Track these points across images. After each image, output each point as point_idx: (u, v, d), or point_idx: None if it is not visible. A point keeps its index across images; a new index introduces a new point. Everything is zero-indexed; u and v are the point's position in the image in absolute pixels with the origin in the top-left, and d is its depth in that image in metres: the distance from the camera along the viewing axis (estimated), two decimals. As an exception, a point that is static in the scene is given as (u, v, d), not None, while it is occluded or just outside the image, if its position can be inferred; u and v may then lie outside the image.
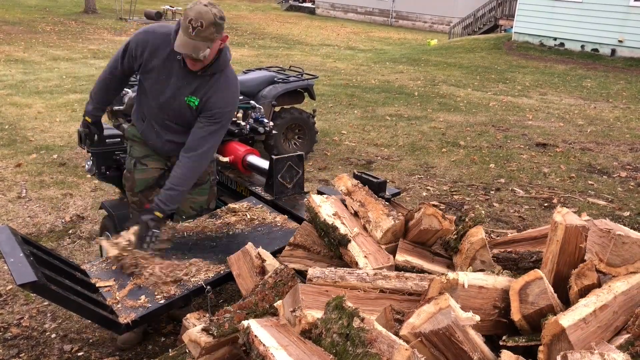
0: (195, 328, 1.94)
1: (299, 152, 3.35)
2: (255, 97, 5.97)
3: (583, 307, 1.73)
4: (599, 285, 1.87)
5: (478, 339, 1.71)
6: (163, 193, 2.84)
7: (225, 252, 2.68)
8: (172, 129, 3.02)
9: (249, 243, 2.51)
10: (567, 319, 1.67)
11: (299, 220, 2.94)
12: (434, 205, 2.47)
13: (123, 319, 2.38)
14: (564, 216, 2.00)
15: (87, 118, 3.13)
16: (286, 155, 3.29)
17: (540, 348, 1.69)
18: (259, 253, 2.45)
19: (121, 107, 5.59)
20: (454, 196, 5.47)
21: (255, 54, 14.79)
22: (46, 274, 2.30)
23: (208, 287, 2.49)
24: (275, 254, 2.67)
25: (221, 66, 2.86)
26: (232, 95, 2.96)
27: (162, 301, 2.46)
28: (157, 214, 2.78)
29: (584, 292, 1.84)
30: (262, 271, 2.39)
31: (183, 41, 2.62)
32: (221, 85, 2.89)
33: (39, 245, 2.70)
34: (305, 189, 3.38)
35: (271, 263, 2.44)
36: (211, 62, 2.79)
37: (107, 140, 3.48)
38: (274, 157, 3.20)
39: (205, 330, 1.91)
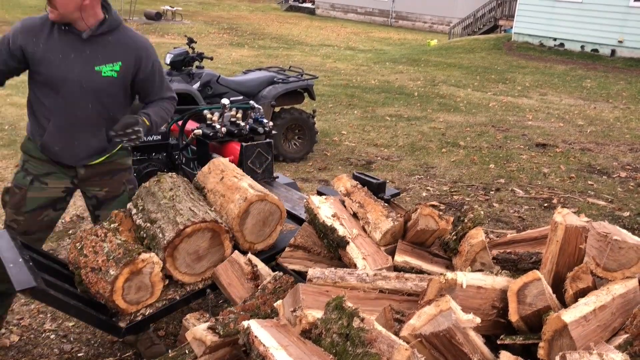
0: (200, 326, 1.94)
1: (268, 140, 3.52)
2: (255, 98, 5.98)
3: (584, 306, 1.75)
4: (594, 288, 1.88)
5: (478, 340, 1.71)
6: (152, 109, 2.71)
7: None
8: (86, 121, 2.64)
9: (235, 251, 2.50)
10: (569, 315, 1.69)
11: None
12: (432, 206, 2.48)
13: (123, 323, 2.38)
14: (564, 217, 2.00)
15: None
16: (256, 142, 3.45)
17: (541, 344, 1.70)
18: (249, 259, 2.45)
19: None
20: (454, 196, 5.47)
21: (255, 54, 14.79)
22: (46, 278, 2.30)
23: (208, 288, 2.50)
24: (275, 255, 2.68)
25: (116, 20, 2.62)
26: (144, 38, 2.77)
27: (162, 303, 2.47)
28: (145, 120, 2.61)
29: (579, 295, 1.84)
30: (254, 277, 2.38)
31: None
32: (131, 33, 2.68)
33: (39, 249, 2.70)
34: (305, 190, 3.40)
35: (263, 267, 2.44)
36: (103, 19, 2.58)
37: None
38: (243, 144, 3.34)
39: (211, 329, 1.91)
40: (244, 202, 2.54)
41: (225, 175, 2.69)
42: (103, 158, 2.74)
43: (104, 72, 2.59)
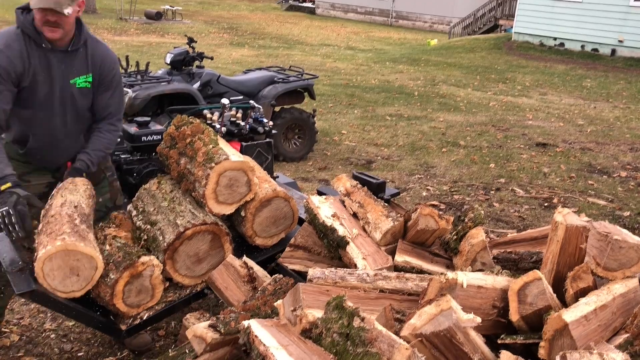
0: (201, 324, 1.94)
1: (268, 139, 3.50)
2: (255, 97, 5.97)
3: (584, 305, 1.75)
4: (594, 287, 1.88)
5: (479, 339, 1.71)
6: (90, 153, 2.76)
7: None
8: (66, 130, 2.76)
9: (230, 255, 2.51)
10: (569, 314, 1.69)
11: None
12: (431, 205, 2.48)
13: (124, 325, 2.38)
14: (565, 216, 2.00)
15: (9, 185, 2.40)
16: (256, 142, 3.42)
17: (542, 344, 1.70)
18: (244, 262, 2.45)
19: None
20: (454, 196, 5.47)
21: (255, 54, 14.79)
22: None
23: (208, 290, 2.50)
24: (275, 256, 2.68)
25: (86, 34, 2.72)
26: (112, 52, 2.89)
27: (162, 305, 2.47)
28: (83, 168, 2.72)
29: (580, 294, 1.84)
30: (251, 279, 2.38)
31: None
32: (101, 46, 2.80)
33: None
34: (305, 189, 3.41)
35: (259, 269, 2.44)
36: (75, 33, 2.64)
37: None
38: (243, 143, 3.31)
39: (212, 326, 1.91)
40: (271, 191, 2.57)
41: (256, 169, 2.74)
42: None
43: (79, 84, 2.70)
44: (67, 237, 2.19)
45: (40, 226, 2.39)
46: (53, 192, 2.64)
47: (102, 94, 2.80)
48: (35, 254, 2.21)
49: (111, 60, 2.82)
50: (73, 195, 2.55)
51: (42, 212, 2.49)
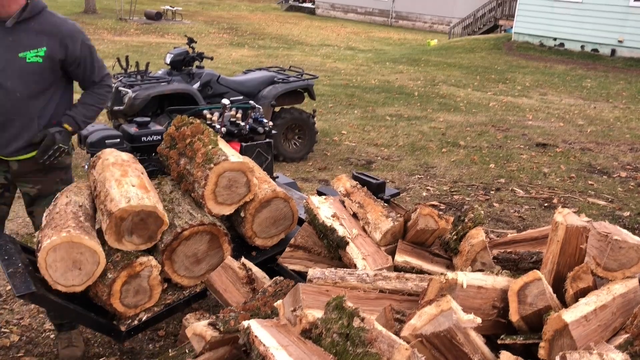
0: (200, 322, 1.95)
1: (268, 140, 3.50)
2: (255, 97, 5.97)
3: (584, 306, 1.75)
4: (594, 288, 1.88)
5: (479, 340, 1.71)
6: (78, 109, 2.72)
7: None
8: (15, 111, 2.58)
9: (228, 257, 2.51)
10: (569, 315, 1.69)
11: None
12: (431, 205, 2.48)
13: (124, 326, 2.38)
14: (565, 216, 2.00)
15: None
16: (255, 142, 3.43)
17: (542, 344, 1.70)
18: (243, 263, 2.45)
19: (121, 107, 5.60)
20: (454, 196, 5.47)
21: (255, 54, 14.79)
22: (45, 281, 2.29)
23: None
24: (276, 255, 2.68)
25: (40, 5, 2.59)
26: (71, 22, 2.73)
27: (162, 306, 2.47)
28: (67, 126, 2.67)
29: (580, 295, 1.84)
30: (249, 281, 2.38)
31: None
32: (55, 17, 2.64)
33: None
34: (305, 190, 3.40)
35: (257, 270, 2.44)
36: (25, 5, 2.52)
37: (106, 141, 3.49)
38: (243, 144, 3.32)
39: (211, 325, 1.91)
40: (270, 192, 2.57)
41: (255, 169, 2.74)
42: (34, 153, 2.67)
43: (29, 58, 2.54)
44: (73, 230, 2.20)
45: (44, 222, 2.40)
46: (58, 194, 2.64)
47: (80, 67, 2.69)
48: (39, 244, 2.22)
49: (69, 30, 2.64)
50: (78, 197, 2.56)
51: (47, 210, 2.49)
